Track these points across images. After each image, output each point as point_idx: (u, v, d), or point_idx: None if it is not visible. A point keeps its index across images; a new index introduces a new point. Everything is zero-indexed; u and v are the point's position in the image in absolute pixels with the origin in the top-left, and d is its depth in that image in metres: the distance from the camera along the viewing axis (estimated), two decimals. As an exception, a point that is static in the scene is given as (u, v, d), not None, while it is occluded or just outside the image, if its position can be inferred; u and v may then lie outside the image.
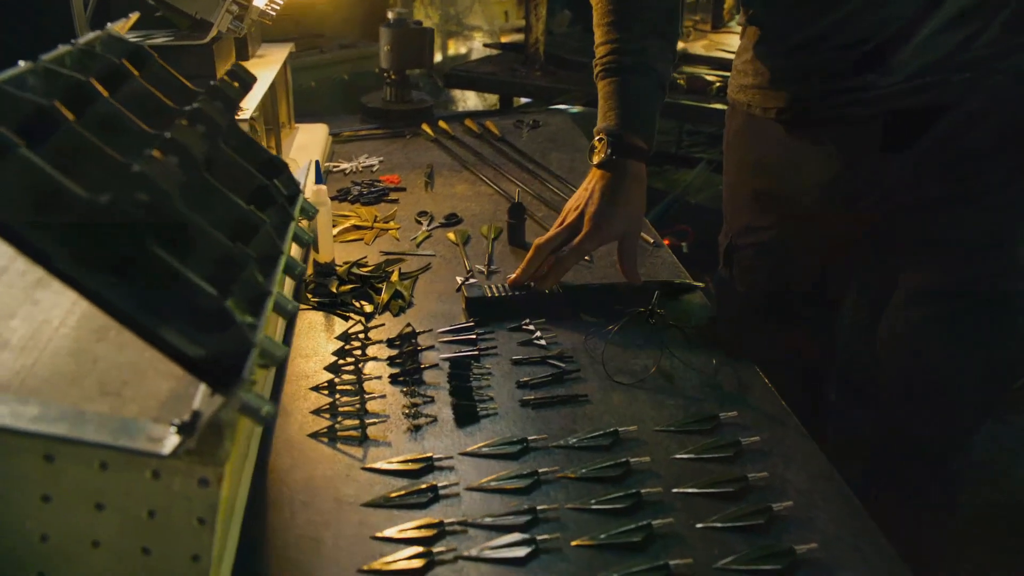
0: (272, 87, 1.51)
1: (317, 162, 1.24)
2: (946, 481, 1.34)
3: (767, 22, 1.18)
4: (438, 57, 3.45)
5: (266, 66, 1.51)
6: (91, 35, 0.68)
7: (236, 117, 1.21)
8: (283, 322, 1.06)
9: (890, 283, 1.24)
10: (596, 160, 1.15)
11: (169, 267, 0.50)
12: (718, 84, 2.14)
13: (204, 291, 0.51)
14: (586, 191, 1.16)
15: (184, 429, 0.52)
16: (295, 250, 1.19)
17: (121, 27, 0.76)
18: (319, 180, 1.23)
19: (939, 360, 1.22)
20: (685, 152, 3.53)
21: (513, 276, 1.14)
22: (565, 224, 1.15)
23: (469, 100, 3.60)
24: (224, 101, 0.68)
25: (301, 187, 0.78)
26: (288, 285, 1.08)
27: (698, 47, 2.55)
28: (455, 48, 3.61)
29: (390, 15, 1.88)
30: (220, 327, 0.52)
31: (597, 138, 1.16)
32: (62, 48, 0.64)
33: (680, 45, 2.48)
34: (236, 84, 0.71)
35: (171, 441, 0.51)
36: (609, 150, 1.13)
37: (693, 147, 3.55)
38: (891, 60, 1.06)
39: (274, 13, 1.47)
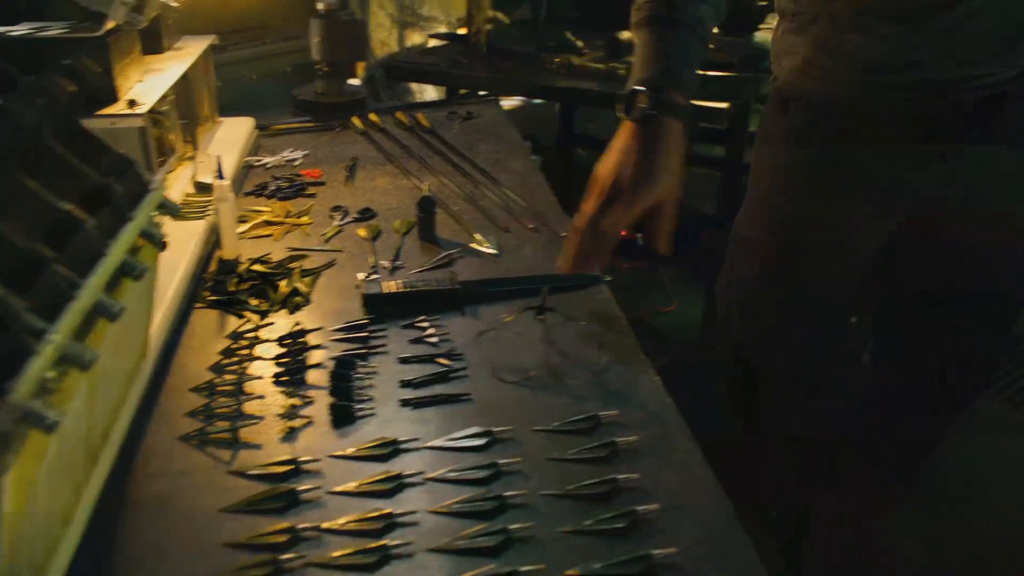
0: (187, 80, 1.48)
1: (219, 157, 1.22)
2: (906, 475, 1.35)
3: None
4: (395, 48, 3.40)
5: (180, 59, 1.48)
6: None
7: (131, 112, 1.19)
8: (171, 320, 1.03)
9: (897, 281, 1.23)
10: (635, 115, 1.04)
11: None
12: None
13: (-22, 296, 0.49)
14: (621, 152, 1.04)
15: (-42, 441, 0.50)
16: (195, 246, 1.17)
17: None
18: (220, 176, 1.21)
19: (922, 357, 1.22)
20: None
21: (560, 263, 1.05)
22: (599, 192, 1.04)
23: (427, 92, 3.56)
24: (49, 97, 0.65)
25: (154, 186, 0.75)
26: (176, 283, 1.06)
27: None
28: (412, 39, 3.56)
29: (320, 6, 1.84)
30: (-4, 333, 0.49)
31: (635, 89, 1.05)
32: None
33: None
34: (67, 81, 0.68)
35: (-57, 453, 0.49)
36: (651, 103, 1.03)
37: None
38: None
39: (177, 4, 1.44)
